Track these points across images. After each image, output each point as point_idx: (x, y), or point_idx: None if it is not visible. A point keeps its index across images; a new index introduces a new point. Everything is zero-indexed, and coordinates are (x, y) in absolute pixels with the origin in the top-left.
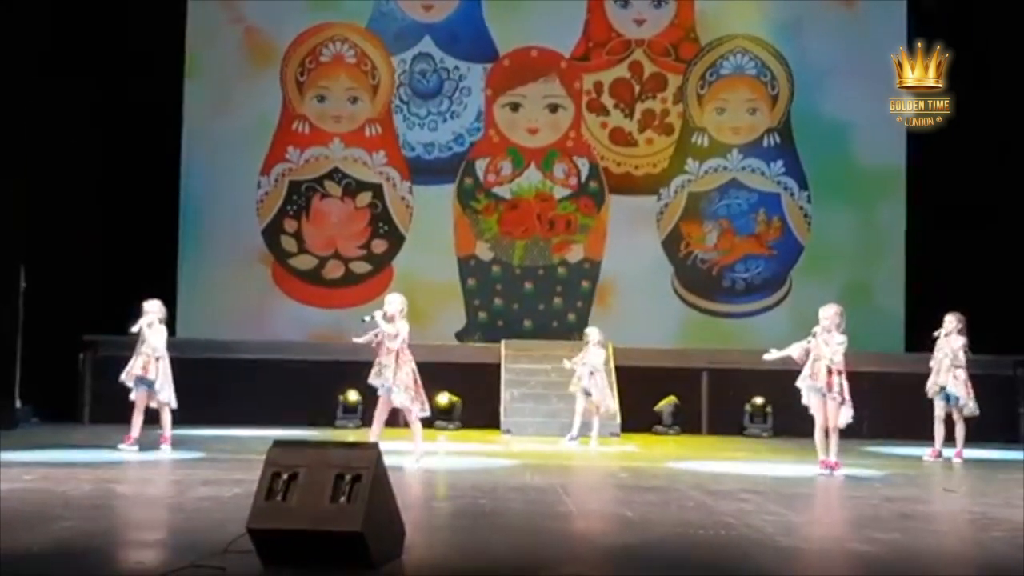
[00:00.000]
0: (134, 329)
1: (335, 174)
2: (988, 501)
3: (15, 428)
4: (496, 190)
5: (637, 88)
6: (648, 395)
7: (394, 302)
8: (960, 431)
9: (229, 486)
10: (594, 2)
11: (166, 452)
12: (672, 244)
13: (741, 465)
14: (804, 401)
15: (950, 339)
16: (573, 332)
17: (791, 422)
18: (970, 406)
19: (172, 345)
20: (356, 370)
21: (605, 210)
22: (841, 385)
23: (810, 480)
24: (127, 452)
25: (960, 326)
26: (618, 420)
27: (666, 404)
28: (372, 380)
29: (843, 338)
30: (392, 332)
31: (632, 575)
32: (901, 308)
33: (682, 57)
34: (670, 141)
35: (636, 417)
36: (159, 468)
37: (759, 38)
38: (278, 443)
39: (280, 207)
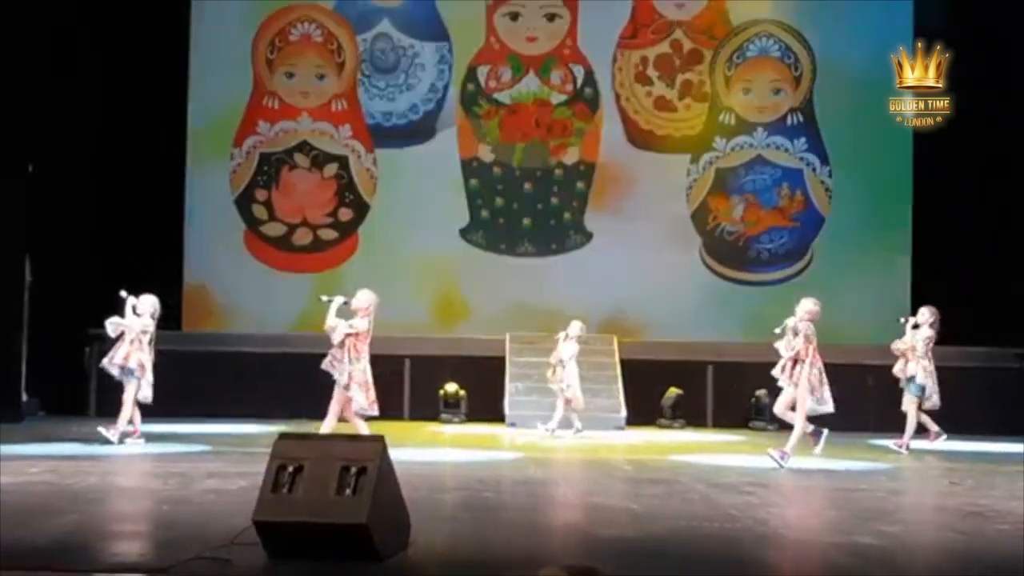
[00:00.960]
0: (124, 294)
1: (304, 147)
2: (993, 494)
3: (21, 421)
4: (496, 95)
5: (677, 62)
6: (653, 388)
7: (364, 298)
8: (913, 423)
9: (235, 479)
10: None
11: (112, 436)
12: (700, 217)
13: (746, 458)
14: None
15: (920, 330)
16: (569, 231)
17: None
18: (934, 399)
19: (177, 339)
20: None
21: (600, 115)
22: (807, 374)
23: (815, 473)
24: (135, 445)
25: (933, 319)
26: (623, 412)
27: (670, 397)
28: (324, 367)
29: (803, 326)
30: (331, 325)
31: (636, 568)
32: (907, 298)
33: (715, 36)
34: (705, 107)
35: (640, 410)
36: (165, 461)
37: (783, 22)
38: (284, 436)
39: (251, 178)
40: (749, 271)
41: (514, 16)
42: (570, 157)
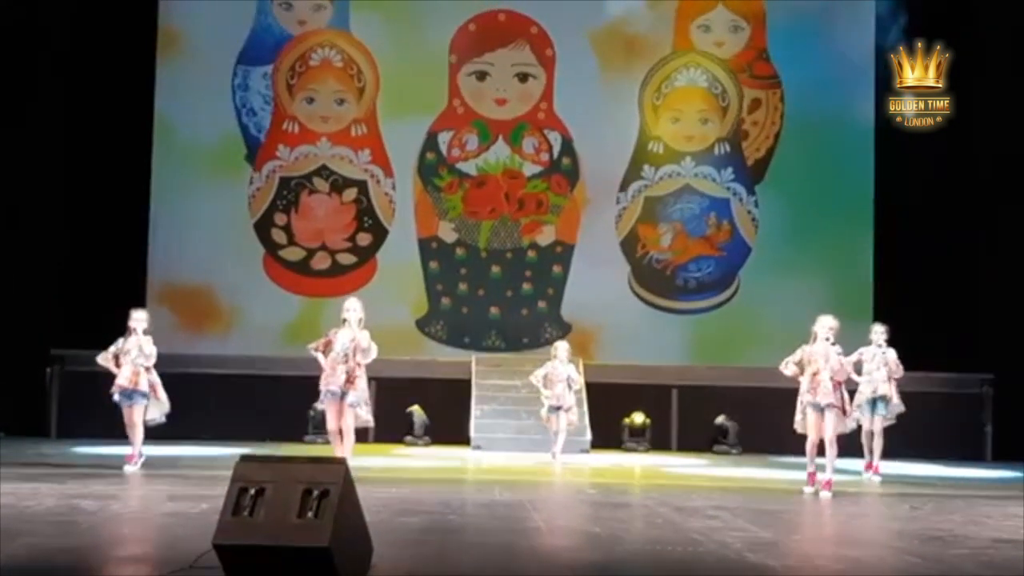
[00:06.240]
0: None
1: (323, 171)
2: (953, 519)
3: None
4: (460, 166)
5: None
6: (618, 411)
7: (359, 308)
8: (879, 444)
9: (196, 502)
10: None
11: (133, 470)
12: (629, 245)
13: (710, 482)
14: (797, 424)
15: (867, 349)
16: (543, 323)
17: (759, 439)
18: (894, 402)
19: None
20: None
21: (580, 189)
22: (842, 396)
23: (779, 497)
24: (131, 471)
25: (886, 336)
26: (588, 436)
27: (635, 421)
28: (342, 387)
29: (839, 349)
30: (366, 346)
31: None
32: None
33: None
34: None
35: (605, 433)
36: (126, 484)
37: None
38: (245, 458)
39: (271, 202)
40: (677, 299)
41: (481, 76)
42: (545, 237)
